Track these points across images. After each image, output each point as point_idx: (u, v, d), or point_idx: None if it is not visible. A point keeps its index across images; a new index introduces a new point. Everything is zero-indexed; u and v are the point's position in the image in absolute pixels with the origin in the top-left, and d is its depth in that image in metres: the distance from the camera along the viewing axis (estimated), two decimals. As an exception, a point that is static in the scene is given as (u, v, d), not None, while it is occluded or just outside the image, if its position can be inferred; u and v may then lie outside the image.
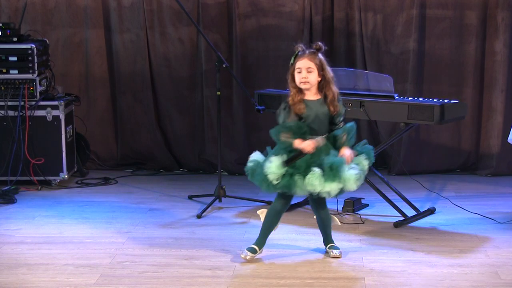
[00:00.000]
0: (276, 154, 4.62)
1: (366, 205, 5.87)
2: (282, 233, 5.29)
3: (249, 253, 4.75)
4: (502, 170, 6.81)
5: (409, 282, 4.41)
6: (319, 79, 4.66)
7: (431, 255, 4.85)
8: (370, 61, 6.85)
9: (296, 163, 4.57)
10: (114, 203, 6.07)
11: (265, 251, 4.90)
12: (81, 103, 6.92)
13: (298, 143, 4.57)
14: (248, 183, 6.58)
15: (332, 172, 4.52)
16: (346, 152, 4.61)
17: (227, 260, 4.78)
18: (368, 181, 5.62)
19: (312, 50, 4.68)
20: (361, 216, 5.64)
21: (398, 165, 6.86)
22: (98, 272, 4.60)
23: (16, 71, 6.46)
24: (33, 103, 6.44)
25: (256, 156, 4.78)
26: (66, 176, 6.54)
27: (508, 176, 6.75)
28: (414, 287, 4.34)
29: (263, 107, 5.76)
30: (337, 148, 4.65)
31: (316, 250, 4.96)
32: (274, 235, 4.92)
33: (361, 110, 5.44)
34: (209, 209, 5.80)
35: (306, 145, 4.56)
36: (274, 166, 4.57)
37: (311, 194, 4.61)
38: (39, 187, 6.46)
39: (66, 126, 6.54)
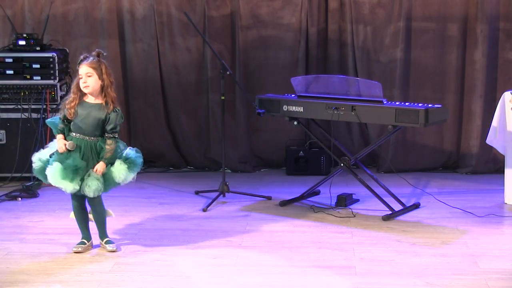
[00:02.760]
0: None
1: (357, 200, 5.86)
2: (281, 225, 5.29)
3: (80, 246, 4.76)
4: (481, 169, 6.80)
5: (396, 270, 4.41)
6: (101, 83, 4.64)
7: (416, 245, 4.85)
8: (361, 69, 6.85)
9: (58, 156, 4.60)
10: (127, 198, 6.06)
11: (265, 243, 4.90)
12: (98, 107, 6.91)
13: (58, 138, 4.67)
14: (249, 180, 6.63)
15: (68, 172, 4.55)
16: (98, 166, 4.60)
17: (230, 249, 4.78)
18: (359, 178, 5.63)
19: (93, 57, 4.69)
20: (352, 210, 5.63)
21: (386, 164, 6.85)
22: (113, 260, 4.60)
23: (39, 77, 6.45)
24: (54, 106, 6.44)
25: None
26: (84, 173, 6.53)
27: (486, 174, 6.73)
28: (401, 275, 4.34)
29: (263, 110, 5.75)
30: (100, 157, 4.64)
31: (311, 241, 4.95)
32: (274, 228, 4.91)
33: (353, 113, 5.44)
34: (214, 203, 5.79)
35: (58, 146, 4.62)
36: (39, 153, 4.72)
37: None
38: (59, 183, 6.45)
39: (84, 127, 6.53)
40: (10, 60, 6.44)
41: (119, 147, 4.73)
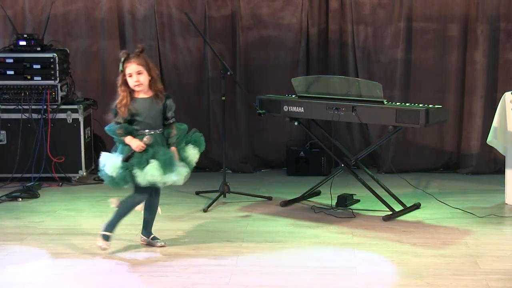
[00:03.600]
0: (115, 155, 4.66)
1: (358, 201, 5.86)
2: (281, 225, 5.29)
3: (105, 242, 4.73)
4: (481, 169, 6.79)
5: (397, 271, 4.40)
6: (150, 78, 4.65)
7: (417, 246, 4.84)
8: (362, 69, 6.85)
9: (132, 160, 4.57)
10: (128, 198, 6.06)
11: (265, 243, 4.90)
12: (98, 107, 6.91)
13: (128, 140, 4.61)
14: (250, 180, 6.63)
15: (168, 166, 4.56)
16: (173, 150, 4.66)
17: (231, 250, 4.78)
18: (359, 178, 5.62)
19: (136, 53, 4.66)
20: (353, 210, 5.63)
21: (387, 164, 6.85)
22: (114, 260, 4.60)
23: (39, 78, 6.45)
24: (55, 106, 6.44)
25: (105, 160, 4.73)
26: (84, 173, 6.53)
27: (486, 175, 6.73)
28: (401, 275, 4.34)
29: (263, 110, 5.75)
30: (168, 144, 4.69)
31: (311, 241, 4.95)
32: (274, 228, 4.92)
33: (353, 114, 5.43)
34: (214, 203, 5.79)
35: (135, 145, 4.58)
36: (110, 163, 4.61)
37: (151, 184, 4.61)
38: (60, 183, 6.45)
39: (84, 128, 6.53)
40: (11, 60, 6.45)
41: (181, 129, 4.77)
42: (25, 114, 6.41)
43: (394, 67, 6.80)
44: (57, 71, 6.44)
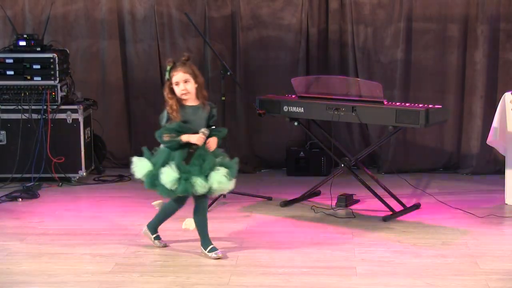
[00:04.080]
0: (163, 165, 4.57)
1: (358, 201, 5.86)
2: (281, 226, 5.29)
3: (157, 241, 4.78)
4: (481, 169, 6.79)
5: (397, 271, 4.41)
6: (196, 86, 4.63)
7: (417, 246, 4.84)
8: (361, 70, 6.85)
9: (190, 168, 4.52)
10: (128, 198, 6.06)
11: (265, 243, 4.90)
12: (98, 107, 6.92)
13: (187, 138, 4.55)
14: (250, 180, 6.62)
15: (230, 173, 4.58)
16: (211, 139, 4.62)
17: (231, 250, 4.77)
18: (359, 178, 5.62)
19: (182, 61, 4.63)
20: (353, 210, 5.63)
21: (387, 164, 6.85)
22: (114, 261, 4.60)
23: (39, 78, 6.45)
24: (55, 107, 6.44)
25: (142, 165, 4.71)
26: (84, 174, 6.53)
27: (486, 175, 6.73)
28: (401, 275, 4.34)
29: (263, 111, 5.75)
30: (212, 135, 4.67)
31: (312, 241, 4.95)
32: (274, 228, 4.92)
33: (353, 114, 5.43)
34: (214, 204, 5.79)
35: (196, 138, 4.55)
36: (166, 177, 4.53)
37: (198, 195, 4.58)
38: (60, 183, 6.45)
39: (84, 128, 6.53)
40: (11, 60, 6.45)
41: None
42: (25, 114, 6.41)
43: (394, 67, 6.80)
44: (57, 72, 6.44)
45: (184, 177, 4.52)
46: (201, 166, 4.55)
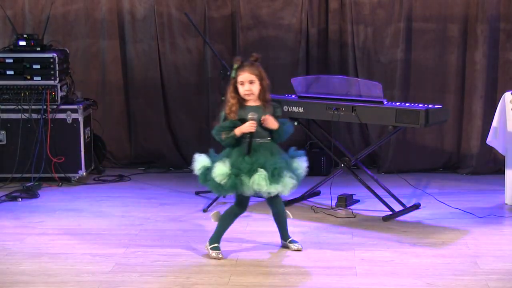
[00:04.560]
0: (218, 161, 4.55)
1: (358, 201, 5.86)
2: (281, 225, 5.29)
3: (217, 252, 4.66)
4: (481, 169, 6.79)
5: (396, 271, 4.41)
6: (260, 88, 4.60)
7: (416, 246, 4.84)
8: (361, 70, 6.85)
9: (241, 165, 4.48)
10: (128, 198, 6.07)
11: (265, 243, 4.90)
12: (98, 107, 6.93)
13: (239, 130, 4.51)
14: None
15: (275, 176, 4.48)
16: (266, 116, 4.53)
17: (231, 250, 4.78)
18: (359, 178, 5.62)
19: (251, 61, 4.62)
20: (353, 210, 5.63)
21: (387, 164, 6.85)
22: (113, 260, 4.60)
23: (39, 78, 6.46)
24: (55, 107, 6.44)
25: (200, 160, 4.64)
26: (84, 174, 6.54)
27: (486, 175, 6.73)
28: (401, 276, 4.34)
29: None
30: (274, 140, 4.62)
31: (311, 241, 4.95)
32: (274, 228, 4.91)
33: (353, 114, 5.43)
34: (214, 204, 5.79)
35: (247, 126, 4.49)
36: (217, 170, 4.50)
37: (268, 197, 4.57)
38: (60, 183, 6.46)
39: (84, 128, 6.53)
40: (11, 60, 6.45)
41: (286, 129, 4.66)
42: (25, 114, 6.41)
43: (394, 67, 6.80)
44: (57, 71, 6.44)
45: (234, 173, 4.48)
46: (252, 165, 4.49)
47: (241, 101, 4.60)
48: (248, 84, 4.57)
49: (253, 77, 4.57)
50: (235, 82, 4.60)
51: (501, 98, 5.74)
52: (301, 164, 4.67)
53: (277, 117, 4.64)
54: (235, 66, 4.63)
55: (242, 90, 4.58)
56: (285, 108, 5.71)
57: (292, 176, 4.56)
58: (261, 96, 4.61)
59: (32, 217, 5.55)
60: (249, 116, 4.53)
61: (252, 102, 4.61)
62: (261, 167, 4.47)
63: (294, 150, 4.76)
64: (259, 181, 4.46)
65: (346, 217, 5.50)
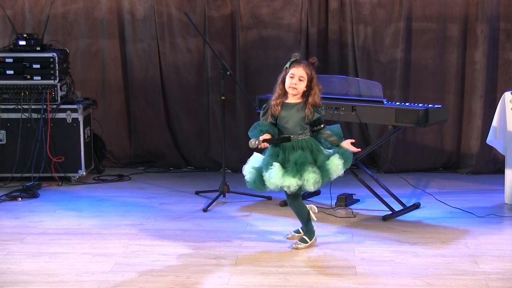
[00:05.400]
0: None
1: (357, 201, 5.87)
2: (281, 225, 5.29)
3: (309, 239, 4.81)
4: (481, 169, 6.80)
5: (396, 271, 4.41)
6: (305, 89, 4.68)
7: (416, 246, 4.85)
8: (361, 69, 6.85)
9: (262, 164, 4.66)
10: (127, 198, 6.07)
11: (265, 242, 4.90)
12: (98, 107, 6.93)
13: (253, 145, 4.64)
14: (249, 180, 6.61)
15: (295, 168, 4.55)
16: (345, 144, 4.67)
17: (231, 250, 4.78)
18: (359, 178, 5.62)
19: (308, 62, 4.74)
20: (353, 210, 5.63)
21: (387, 164, 6.85)
22: (113, 260, 4.60)
23: (39, 78, 6.45)
24: (55, 106, 6.44)
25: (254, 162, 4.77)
26: (84, 173, 6.54)
27: (486, 174, 6.74)
28: (401, 275, 4.34)
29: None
30: (330, 147, 4.72)
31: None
32: (274, 228, 4.92)
33: (353, 113, 5.44)
34: (214, 203, 5.79)
35: (252, 143, 4.63)
36: (248, 164, 4.74)
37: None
38: (60, 183, 6.46)
39: (84, 127, 6.54)
40: (11, 60, 6.45)
41: (335, 131, 4.73)
42: (24, 113, 6.41)
43: (393, 67, 6.80)
44: (57, 71, 6.44)
45: (257, 170, 4.69)
46: (268, 161, 4.66)
47: (282, 96, 4.71)
48: (297, 79, 4.64)
49: (304, 75, 4.65)
50: (286, 74, 4.69)
51: (501, 98, 5.74)
52: (335, 162, 4.66)
53: (318, 119, 4.67)
54: (293, 59, 4.72)
55: (289, 82, 4.66)
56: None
57: (315, 170, 4.59)
58: (305, 96, 4.68)
59: (32, 216, 5.55)
60: (252, 141, 4.63)
61: (293, 98, 4.69)
62: (280, 162, 4.60)
63: (346, 149, 4.74)
64: (272, 174, 4.56)
65: (346, 216, 5.50)
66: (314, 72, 4.71)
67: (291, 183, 4.56)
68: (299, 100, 4.70)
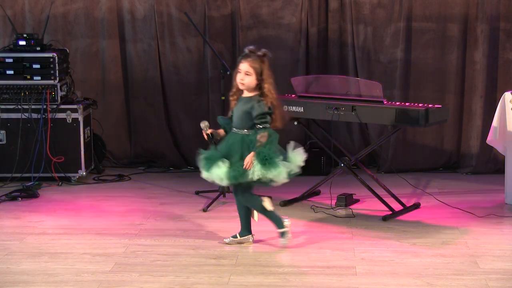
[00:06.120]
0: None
1: (357, 201, 5.86)
2: (281, 225, 5.29)
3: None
4: (481, 169, 6.80)
5: (396, 271, 4.41)
6: (257, 82, 4.66)
7: (416, 246, 4.85)
8: (361, 69, 6.85)
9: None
10: (128, 198, 6.07)
11: (265, 242, 4.90)
12: (98, 107, 6.92)
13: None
14: (249, 180, 6.61)
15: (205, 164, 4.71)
16: (249, 156, 4.61)
17: (230, 250, 4.78)
18: (359, 178, 5.62)
19: (257, 55, 4.68)
20: (353, 210, 5.63)
21: (387, 164, 6.85)
22: (113, 260, 4.60)
23: (39, 78, 6.45)
24: (55, 106, 6.44)
25: None
26: (84, 173, 6.54)
27: (486, 174, 6.73)
28: (401, 275, 4.34)
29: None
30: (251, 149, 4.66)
31: (311, 241, 4.95)
32: (274, 228, 4.91)
33: (353, 113, 5.44)
34: (214, 203, 5.79)
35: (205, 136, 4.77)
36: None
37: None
38: (60, 183, 6.45)
39: (84, 127, 6.53)
40: (11, 60, 6.45)
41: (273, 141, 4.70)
42: (24, 114, 6.41)
43: (393, 67, 6.80)
44: (57, 71, 6.44)
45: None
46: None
47: (240, 91, 4.75)
48: (243, 74, 4.64)
49: (250, 69, 4.63)
50: (237, 70, 4.71)
51: (501, 98, 5.74)
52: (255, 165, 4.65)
53: (254, 108, 4.63)
54: (243, 54, 4.71)
55: (237, 78, 4.69)
56: (285, 107, 5.71)
57: (220, 166, 4.66)
58: (257, 89, 4.67)
59: (32, 216, 5.55)
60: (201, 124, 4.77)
61: (248, 93, 4.71)
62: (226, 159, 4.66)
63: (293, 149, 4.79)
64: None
65: (346, 216, 5.50)
66: (265, 65, 4.67)
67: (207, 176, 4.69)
68: (253, 94, 4.70)
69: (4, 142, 6.46)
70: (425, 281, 4.24)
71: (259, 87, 4.69)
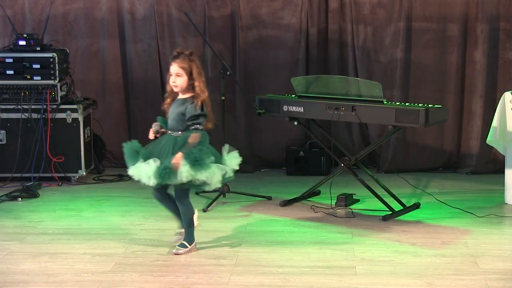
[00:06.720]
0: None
1: (357, 200, 5.86)
2: (281, 225, 5.29)
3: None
4: (481, 169, 6.80)
5: (396, 270, 4.41)
6: (189, 82, 4.63)
7: (416, 246, 4.84)
8: (361, 69, 6.85)
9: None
10: (127, 198, 6.07)
11: (265, 243, 4.90)
12: (98, 107, 6.92)
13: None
14: (250, 180, 6.62)
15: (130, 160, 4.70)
16: (176, 156, 4.50)
17: (230, 249, 4.78)
18: (359, 178, 5.62)
19: (185, 55, 4.64)
20: (352, 210, 5.63)
21: (387, 164, 6.85)
22: (113, 260, 4.60)
23: (39, 78, 6.45)
24: (55, 106, 6.44)
25: None
26: (84, 173, 6.53)
27: (486, 174, 6.74)
28: (401, 275, 4.34)
29: (263, 110, 5.75)
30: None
31: (311, 241, 4.95)
32: (274, 228, 4.92)
33: (353, 113, 5.43)
34: (214, 203, 5.79)
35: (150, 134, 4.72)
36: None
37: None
38: (60, 183, 6.45)
39: (84, 127, 6.53)
40: (11, 60, 6.45)
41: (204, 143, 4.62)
42: (24, 114, 6.41)
43: (393, 67, 6.80)
44: (57, 71, 6.44)
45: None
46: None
47: (174, 93, 4.71)
48: (175, 76, 4.62)
49: (180, 70, 4.60)
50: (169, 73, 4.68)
51: (501, 98, 5.74)
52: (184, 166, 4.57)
53: (187, 110, 4.59)
54: (171, 56, 4.68)
55: (170, 81, 4.65)
56: (285, 108, 5.72)
57: (139, 165, 4.65)
58: (190, 90, 4.64)
59: (32, 216, 5.55)
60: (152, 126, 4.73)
61: (183, 94, 4.67)
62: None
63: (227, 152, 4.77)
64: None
65: (346, 216, 5.49)
66: (194, 63, 4.63)
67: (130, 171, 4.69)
68: (187, 95, 4.66)
69: (4, 142, 6.46)
70: (425, 281, 4.24)
71: (192, 86, 4.64)
